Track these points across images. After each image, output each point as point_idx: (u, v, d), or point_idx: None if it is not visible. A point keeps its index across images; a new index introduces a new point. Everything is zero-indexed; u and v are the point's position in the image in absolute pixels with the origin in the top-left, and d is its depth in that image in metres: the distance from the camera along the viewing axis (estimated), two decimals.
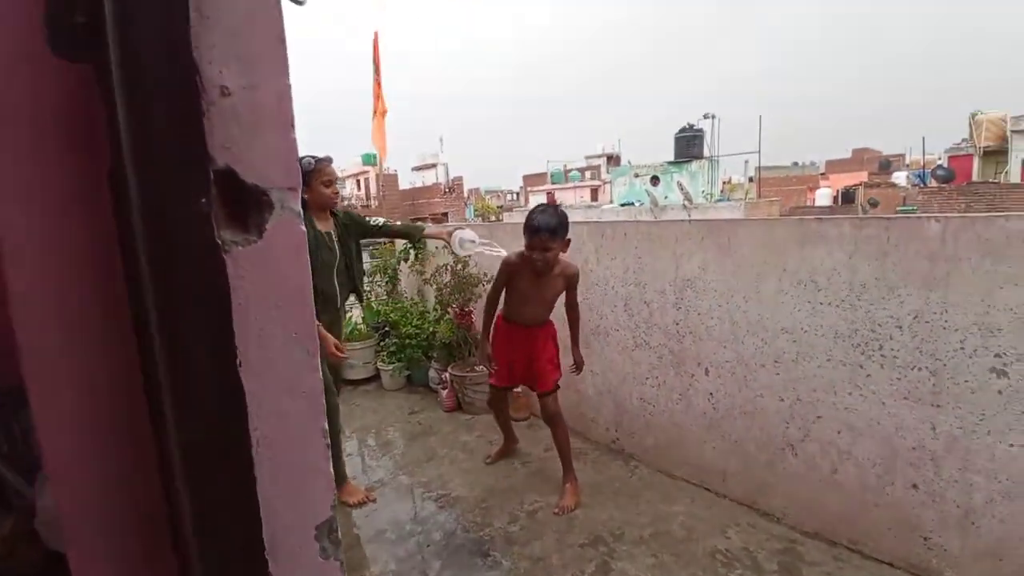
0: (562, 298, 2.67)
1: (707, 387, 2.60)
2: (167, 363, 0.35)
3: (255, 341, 0.39)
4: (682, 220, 2.65)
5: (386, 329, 4.51)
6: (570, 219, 2.47)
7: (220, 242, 0.36)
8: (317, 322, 1.72)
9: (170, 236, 0.34)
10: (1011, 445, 1.73)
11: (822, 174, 28.41)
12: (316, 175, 2.48)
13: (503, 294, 2.69)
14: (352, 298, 2.93)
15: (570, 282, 2.59)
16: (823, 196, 20.29)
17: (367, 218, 2.92)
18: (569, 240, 2.46)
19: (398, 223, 2.99)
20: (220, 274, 0.36)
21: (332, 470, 0.44)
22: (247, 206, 0.38)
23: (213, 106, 0.35)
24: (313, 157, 2.49)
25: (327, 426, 0.43)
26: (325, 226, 2.61)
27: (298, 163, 0.40)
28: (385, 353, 4.38)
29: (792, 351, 2.26)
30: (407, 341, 4.22)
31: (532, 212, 2.44)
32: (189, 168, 0.34)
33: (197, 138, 0.34)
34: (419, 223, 3.07)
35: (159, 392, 0.35)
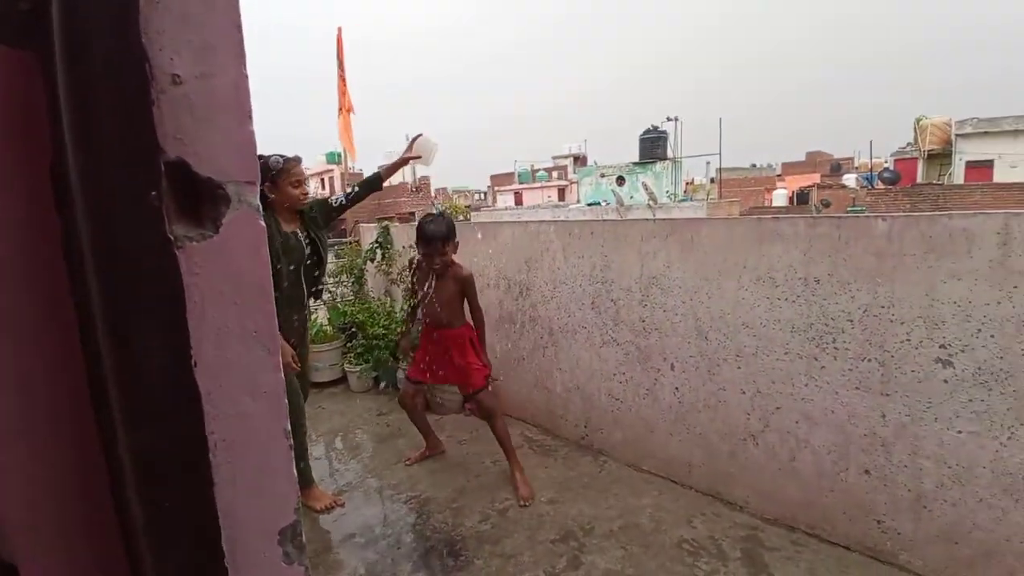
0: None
1: (673, 382, 2.66)
2: (115, 364, 0.33)
3: (212, 340, 0.37)
4: (647, 219, 2.71)
5: (353, 330, 4.42)
6: (538, 218, 2.52)
7: (172, 237, 0.35)
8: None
9: (118, 231, 0.32)
10: (959, 432, 1.84)
11: (778, 176, 29.59)
12: (284, 175, 2.42)
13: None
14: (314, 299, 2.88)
15: (463, 284, 2.73)
16: (780, 197, 21.14)
17: (328, 199, 2.86)
18: (457, 243, 2.70)
19: (356, 187, 2.88)
20: (172, 270, 0.34)
21: (296, 472, 0.43)
22: (201, 200, 0.36)
23: (163, 95, 0.33)
24: (282, 156, 2.42)
25: (289, 427, 0.42)
26: (291, 226, 2.55)
27: (256, 157, 0.39)
28: (352, 355, 4.30)
29: (752, 345, 2.34)
30: (374, 342, 4.15)
31: (422, 222, 2.67)
32: (138, 160, 0.33)
33: (146, 128, 0.33)
34: (376, 172, 2.95)
35: (107, 395, 0.33)
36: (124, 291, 0.33)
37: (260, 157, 2.58)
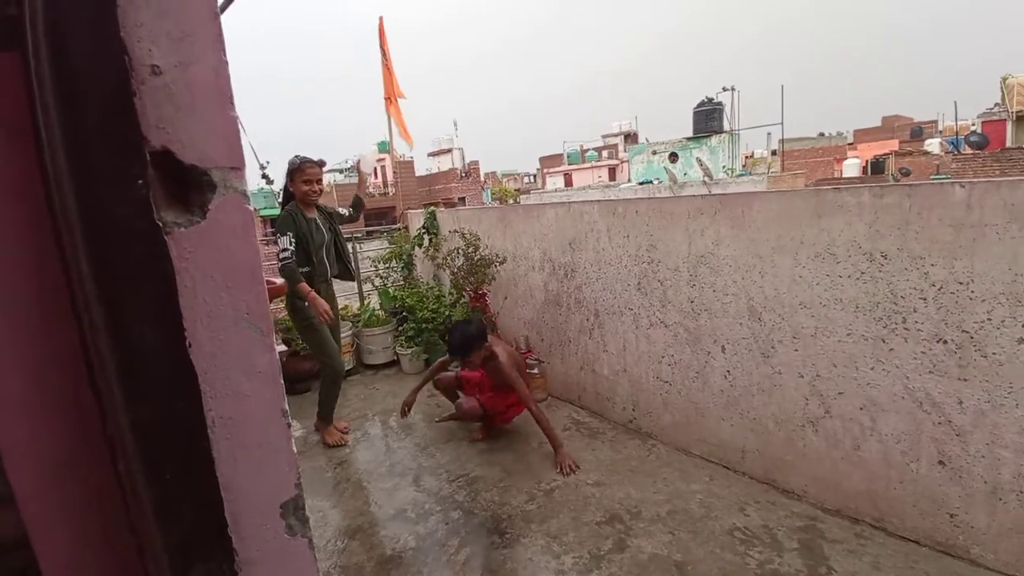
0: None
1: (724, 365, 2.56)
2: (113, 346, 0.35)
3: (204, 322, 0.39)
4: (694, 196, 2.58)
5: (403, 314, 4.55)
6: (586, 199, 2.48)
7: (161, 224, 0.36)
8: (310, 288, 1.86)
9: (108, 220, 0.34)
10: None
11: (850, 144, 27.22)
12: (299, 173, 2.94)
13: None
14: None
15: (497, 372, 2.90)
16: (851, 167, 19.51)
17: (338, 209, 3.37)
18: (487, 346, 2.88)
19: (352, 208, 3.44)
20: (162, 256, 0.36)
21: (294, 448, 0.45)
22: (188, 187, 0.38)
23: (144, 85, 0.34)
24: (302, 158, 2.96)
25: (287, 406, 0.44)
26: (311, 214, 3.07)
27: (240, 142, 0.39)
28: (403, 338, 4.43)
29: (811, 326, 2.20)
30: (424, 325, 4.26)
31: (450, 328, 3.07)
32: (123, 150, 0.34)
33: (130, 119, 0.34)
34: (357, 196, 3.47)
35: (106, 375, 0.36)
36: (117, 277, 0.34)
37: (295, 157, 2.95)
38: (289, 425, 0.43)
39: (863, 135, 30.61)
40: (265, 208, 16.21)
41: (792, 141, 23.65)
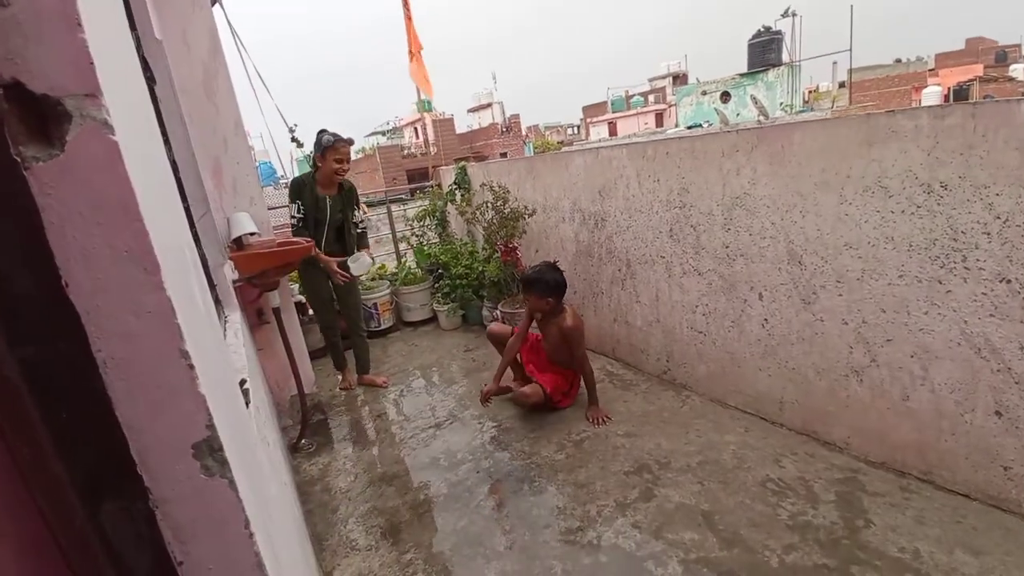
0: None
1: (761, 312, 2.42)
2: None
3: (79, 260, 0.37)
4: (728, 130, 2.38)
5: (439, 271, 4.60)
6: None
7: (19, 159, 0.34)
8: (318, 250, 1.88)
9: None
10: None
11: (931, 70, 24.21)
12: (331, 151, 2.94)
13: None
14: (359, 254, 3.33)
15: (565, 336, 2.78)
16: (932, 95, 17.43)
17: (356, 208, 3.31)
18: (558, 298, 2.79)
19: (363, 224, 3.40)
20: (23, 192, 0.35)
21: (205, 391, 0.44)
22: (45, 118, 0.35)
23: None
24: (334, 136, 2.94)
25: (187, 348, 0.42)
26: (328, 191, 3.10)
27: (92, 66, 0.36)
28: (440, 295, 4.50)
29: (857, 268, 2.02)
30: (458, 282, 4.29)
31: (530, 269, 2.90)
32: None
33: None
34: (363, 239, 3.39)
35: None
36: None
37: (323, 131, 2.91)
38: (192, 367, 0.43)
39: (945, 59, 27.12)
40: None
41: (863, 70, 21.28)
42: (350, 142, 3.05)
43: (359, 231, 3.33)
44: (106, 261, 0.38)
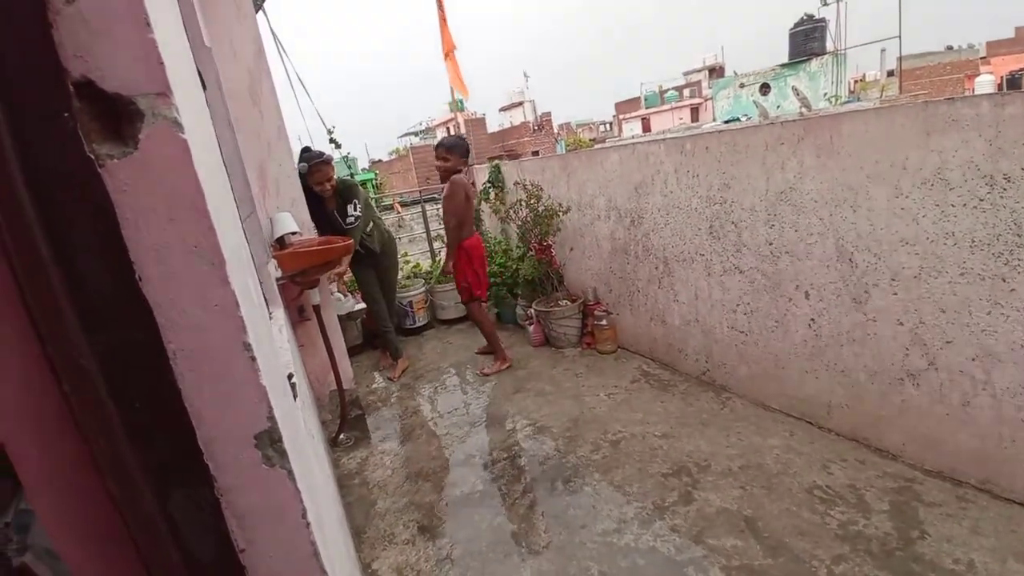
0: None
1: (807, 312, 2.33)
2: (65, 283, 0.36)
3: (152, 255, 0.39)
4: (772, 122, 2.30)
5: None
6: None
7: (93, 156, 0.36)
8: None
9: (39, 157, 0.34)
10: None
11: (983, 58, 22.69)
12: (310, 176, 3.14)
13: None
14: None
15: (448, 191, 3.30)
16: (985, 84, 16.29)
17: (349, 204, 3.30)
18: (464, 162, 3.34)
19: (358, 218, 3.36)
20: (99, 189, 0.36)
21: (266, 383, 0.45)
22: (118, 117, 0.37)
23: (59, 15, 0.33)
24: (308, 161, 3.14)
25: (250, 340, 0.43)
26: (330, 204, 3.30)
27: (162, 65, 0.38)
28: None
29: (914, 266, 1.92)
30: (492, 280, 4.30)
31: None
32: (46, 84, 0.33)
33: (49, 51, 0.33)
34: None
35: (61, 310, 0.37)
36: (57, 213, 0.35)
37: (306, 149, 2.97)
38: (254, 359, 0.44)
39: (997, 47, 25.39)
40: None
41: (913, 58, 20.18)
42: (326, 161, 3.21)
43: (347, 226, 3.30)
44: (177, 256, 0.40)
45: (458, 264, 3.40)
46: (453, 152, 3.27)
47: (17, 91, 0.33)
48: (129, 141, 0.37)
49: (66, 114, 0.34)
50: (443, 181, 3.37)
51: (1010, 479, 1.79)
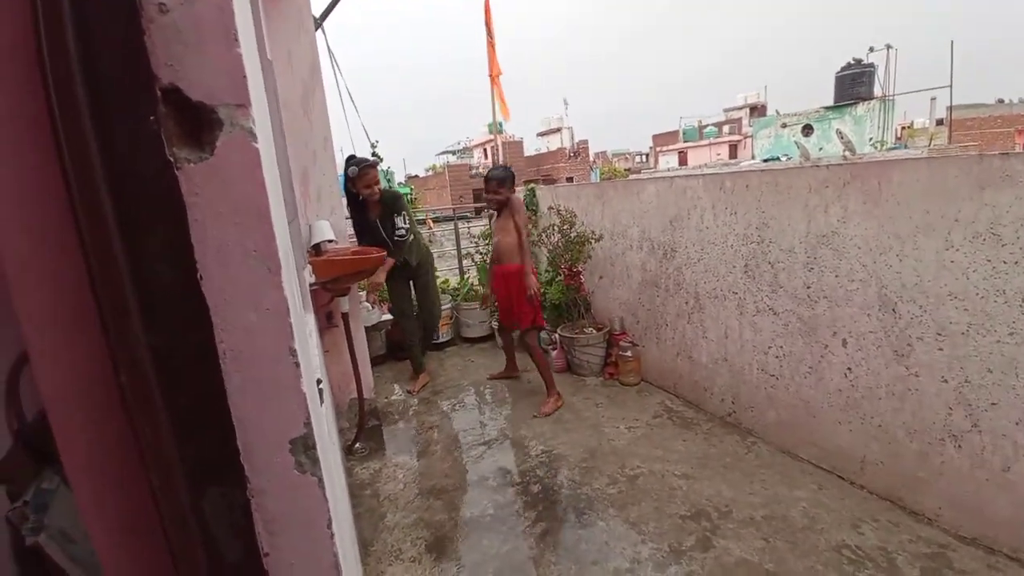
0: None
1: (844, 360, 2.25)
2: (131, 277, 0.38)
3: (214, 257, 0.40)
4: (818, 165, 2.26)
5: None
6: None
7: (172, 159, 0.38)
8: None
9: (122, 156, 0.36)
10: None
11: None
12: (358, 180, 3.20)
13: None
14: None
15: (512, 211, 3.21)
16: None
17: (398, 215, 3.34)
18: (514, 189, 3.26)
19: (407, 228, 3.40)
20: (174, 190, 0.38)
21: (306, 389, 0.46)
22: (199, 124, 0.39)
23: (153, 24, 0.36)
24: (358, 165, 3.18)
25: (295, 346, 0.44)
26: (373, 212, 3.35)
27: (245, 78, 0.40)
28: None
29: (962, 322, 1.84)
30: None
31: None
32: (135, 88, 0.36)
33: (140, 58, 0.35)
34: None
35: (125, 305, 0.38)
36: (131, 211, 0.37)
37: (351, 157, 3.06)
38: (298, 365, 0.45)
39: None
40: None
41: (963, 108, 19.64)
42: (373, 165, 3.25)
43: (396, 239, 3.32)
44: (238, 259, 0.41)
45: (527, 283, 3.18)
46: (505, 185, 3.23)
47: (106, 92, 0.36)
48: (207, 147, 0.39)
49: (151, 118, 0.37)
50: (492, 207, 3.39)
51: None
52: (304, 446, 0.46)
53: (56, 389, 0.41)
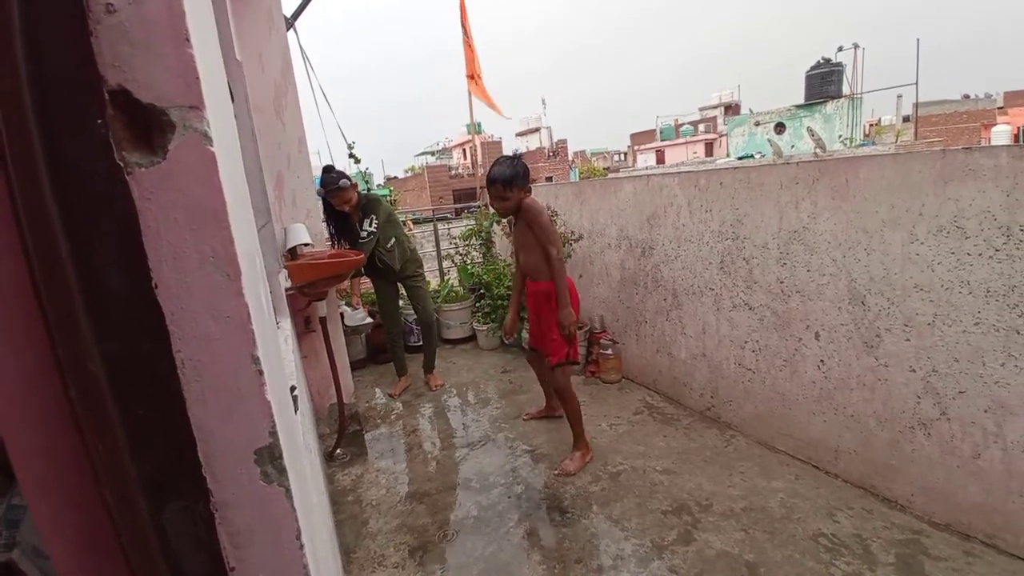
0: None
1: (817, 353, 2.30)
2: (80, 286, 0.36)
3: (170, 264, 0.39)
4: (788, 163, 2.31)
5: (481, 291, 4.63)
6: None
7: (122, 164, 0.36)
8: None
9: (69, 160, 0.35)
10: None
11: (1000, 108, 22.78)
12: (333, 199, 3.22)
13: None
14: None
15: (528, 218, 2.45)
16: (1001, 134, 16.27)
17: (369, 216, 3.30)
18: (528, 189, 2.46)
19: (376, 231, 3.35)
20: (124, 196, 0.36)
21: (271, 398, 0.44)
22: (150, 127, 0.37)
23: (100, 24, 0.34)
24: (326, 186, 3.18)
25: (258, 353, 0.43)
26: (353, 213, 3.33)
27: (198, 80, 0.38)
28: (480, 314, 4.51)
29: (928, 313, 1.89)
30: (500, 302, 4.30)
31: (492, 164, 2.51)
32: (82, 90, 0.34)
33: (87, 59, 0.34)
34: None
35: (74, 313, 0.37)
36: (80, 217, 0.35)
37: (329, 168, 3.02)
38: (262, 373, 0.43)
39: (1015, 97, 25.52)
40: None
41: (929, 105, 20.27)
42: (343, 187, 3.19)
43: (360, 240, 3.26)
44: (194, 265, 0.40)
45: (560, 318, 2.44)
46: (513, 185, 2.38)
47: (53, 94, 0.34)
48: (159, 151, 0.38)
49: (99, 121, 0.35)
50: (504, 216, 2.64)
51: (1016, 534, 1.74)
52: (270, 456, 0.45)
53: (7, 404, 0.40)
